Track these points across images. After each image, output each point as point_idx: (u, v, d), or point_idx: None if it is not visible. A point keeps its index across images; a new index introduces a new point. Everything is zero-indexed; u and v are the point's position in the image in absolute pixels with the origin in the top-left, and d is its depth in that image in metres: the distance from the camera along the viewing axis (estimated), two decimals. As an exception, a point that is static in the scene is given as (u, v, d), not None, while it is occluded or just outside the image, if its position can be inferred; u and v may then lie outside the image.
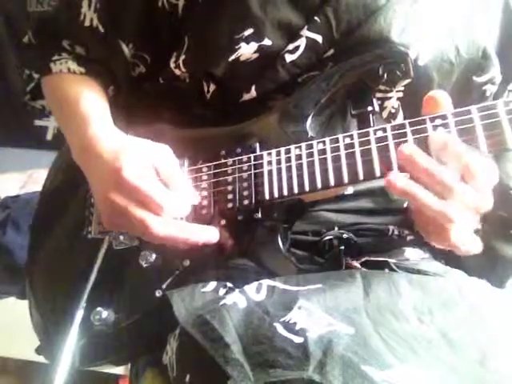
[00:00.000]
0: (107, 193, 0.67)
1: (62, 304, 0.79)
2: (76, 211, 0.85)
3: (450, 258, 0.77)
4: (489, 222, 0.73)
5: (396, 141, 0.62)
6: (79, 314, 0.75)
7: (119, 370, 1.53)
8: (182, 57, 0.78)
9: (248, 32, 0.72)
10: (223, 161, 0.73)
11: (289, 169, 0.67)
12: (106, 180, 0.67)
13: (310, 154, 0.66)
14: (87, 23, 0.82)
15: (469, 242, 0.61)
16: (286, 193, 0.67)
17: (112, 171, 0.66)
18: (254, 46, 0.72)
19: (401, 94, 0.73)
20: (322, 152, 0.66)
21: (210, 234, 0.68)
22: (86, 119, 0.76)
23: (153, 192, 0.65)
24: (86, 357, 0.76)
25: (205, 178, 0.73)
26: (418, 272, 0.73)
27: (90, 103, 0.79)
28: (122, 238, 0.77)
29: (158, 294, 0.73)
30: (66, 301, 0.78)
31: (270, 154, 0.69)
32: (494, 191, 0.60)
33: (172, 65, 0.79)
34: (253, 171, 0.70)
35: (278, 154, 0.69)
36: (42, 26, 0.88)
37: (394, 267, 0.74)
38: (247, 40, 0.72)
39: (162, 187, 0.67)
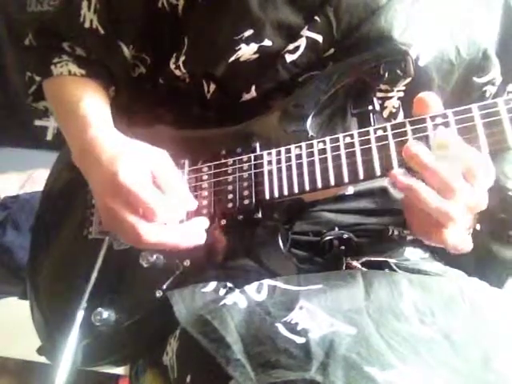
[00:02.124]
0: (104, 198, 0.67)
1: (63, 304, 0.79)
2: (77, 212, 0.85)
3: (450, 259, 0.77)
4: (486, 224, 0.73)
5: (396, 140, 0.61)
6: (80, 314, 0.75)
7: (119, 371, 1.53)
8: (182, 58, 0.78)
9: (248, 33, 0.72)
10: (223, 161, 0.73)
11: (289, 168, 0.67)
12: (103, 185, 0.67)
13: (311, 154, 0.66)
14: (87, 25, 0.82)
15: (462, 242, 0.62)
16: (286, 192, 0.67)
17: (108, 176, 0.66)
18: (254, 46, 0.72)
19: (401, 94, 0.73)
20: (323, 151, 0.65)
21: (198, 239, 0.69)
22: (86, 121, 0.76)
23: (146, 196, 0.65)
24: (86, 357, 0.76)
25: (205, 177, 0.73)
26: (419, 272, 0.73)
27: (91, 105, 0.79)
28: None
29: (159, 294, 0.73)
30: (68, 301, 0.78)
31: (270, 153, 0.69)
32: (493, 193, 0.60)
33: (172, 65, 0.79)
34: (253, 171, 0.70)
35: (278, 153, 0.68)
36: (42, 27, 0.88)
37: (395, 267, 0.74)
38: (247, 41, 0.72)
39: (156, 192, 0.66)
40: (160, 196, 0.66)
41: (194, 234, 0.69)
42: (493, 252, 0.76)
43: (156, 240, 0.65)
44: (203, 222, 0.70)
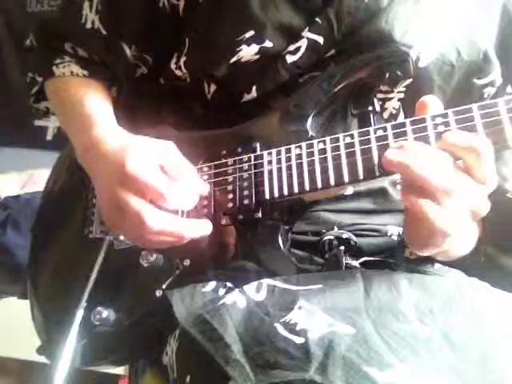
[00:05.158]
0: (112, 189, 0.66)
1: (63, 304, 0.80)
2: (78, 212, 0.85)
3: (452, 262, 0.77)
4: (490, 235, 0.72)
5: (396, 140, 0.61)
6: (79, 313, 0.75)
7: (119, 370, 1.53)
8: (183, 58, 0.78)
9: (249, 34, 0.72)
10: (224, 161, 0.73)
11: (289, 168, 0.67)
12: (110, 176, 0.67)
13: (311, 154, 0.66)
14: (89, 25, 0.82)
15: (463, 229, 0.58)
16: (286, 192, 0.67)
17: (115, 167, 0.66)
18: (254, 47, 0.72)
19: (402, 95, 0.73)
20: (323, 151, 0.65)
21: (204, 229, 0.68)
22: (90, 120, 0.76)
23: (155, 181, 0.65)
24: (86, 356, 0.77)
25: (205, 177, 0.73)
26: (419, 272, 0.73)
27: (94, 104, 0.79)
28: (122, 237, 0.77)
29: (159, 293, 0.73)
30: (68, 301, 0.78)
31: (270, 153, 0.69)
32: (491, 197, 0.59)
33: (173, 66, 0.79)
34: (253, 171, 0.70)
35: (279, 153, 0.68)
36: (44, 28, 0.88)
37: (394, 267, 0.74)
38: (248, 42, 0.72)
39: (165, 178, 0.66)
40: (169, 182, 0.66)
41: (199, 223, 0.69)
42: (501, 265, 0.75)
43: (160, 227, 0.65)
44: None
